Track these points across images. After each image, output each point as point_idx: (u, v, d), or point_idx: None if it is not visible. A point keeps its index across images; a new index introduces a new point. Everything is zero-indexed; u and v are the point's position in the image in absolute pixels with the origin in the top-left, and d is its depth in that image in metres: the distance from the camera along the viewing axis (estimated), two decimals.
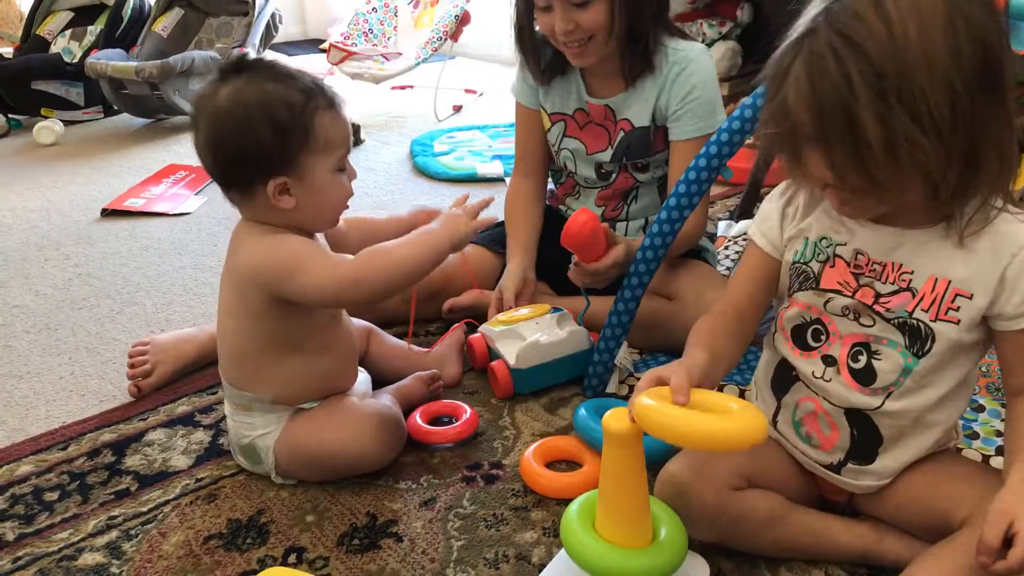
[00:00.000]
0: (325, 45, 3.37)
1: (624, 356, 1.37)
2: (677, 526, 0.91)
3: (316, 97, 1.07)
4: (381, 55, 3.23)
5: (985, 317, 0.88)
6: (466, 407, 1.30)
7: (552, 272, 1.52)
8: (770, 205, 1.01)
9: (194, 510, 1.14)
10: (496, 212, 1.27)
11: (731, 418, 0.80)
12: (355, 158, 1.14)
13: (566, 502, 0.99)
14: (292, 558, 1.06)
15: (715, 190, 2.15)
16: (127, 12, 3.27)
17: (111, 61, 2.91)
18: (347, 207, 1.15)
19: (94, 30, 3.26)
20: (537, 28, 1.44)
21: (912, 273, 0.89)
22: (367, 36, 3.36)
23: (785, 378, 0.99)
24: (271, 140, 1.04)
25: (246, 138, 1.03)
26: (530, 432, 1.29)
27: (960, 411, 0.96)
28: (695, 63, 1.41)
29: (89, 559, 1.07)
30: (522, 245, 1.52)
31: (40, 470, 1.24)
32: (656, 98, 1.44)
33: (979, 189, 0.82)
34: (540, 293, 1.55)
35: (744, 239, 1.81)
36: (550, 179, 1.67)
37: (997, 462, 1.11)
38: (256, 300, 1.10)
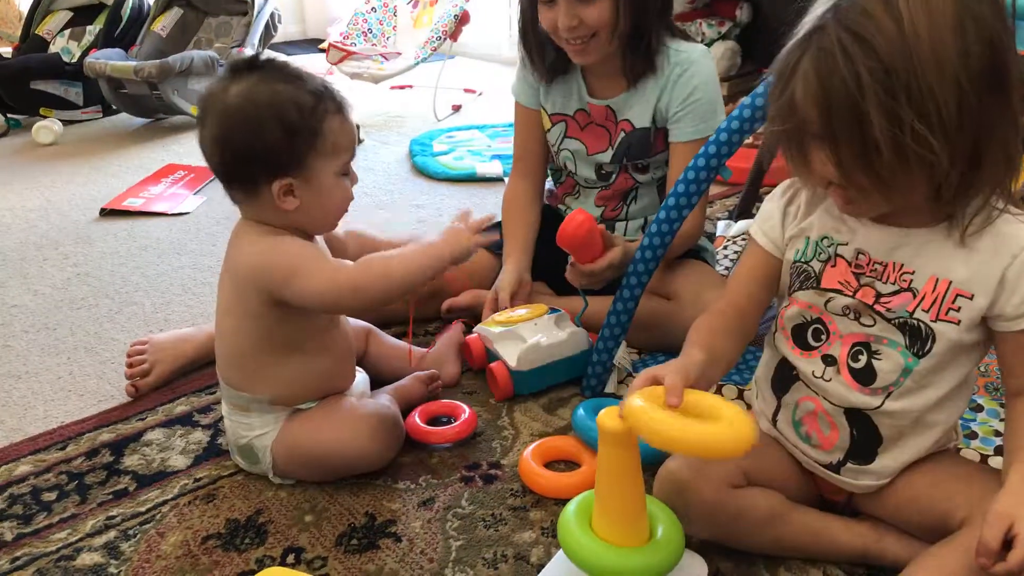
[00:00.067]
0: (324, 45, 3.37)
1: (623, 356, 1.37)
2: (674, 524, 0.90)
3: (326, 100, 1.07)
4: (380, 55, 3.23)
5: (985, 318, 0.88)
6: (465, 407, 1.30)
7: (551, 272, 1.52)
8: (772, 204, 1.01)
9: (192, 510, 1.14)
10: (494, 212, 1.27)
11: (719, 426, 0.79)
12: (354, 158, 1.14)
13: (565, 502, 0.99)
14: (290, 558, 1.05)
15: (714, 190, 2.15)
16: (126, 12, 3.27)
17: (110, 61, 2.91)
18: (346, 211, 1.15)
19: (93, 30, 3.26)
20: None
21: (913, 273, 0.89)
22: (366, 36, 3.36)
23: (785, 377, 0.99)
24: (280, 140, 1.04)
25: (255, 137, 1.04)
26: (529, 432, 1.29)
27: (960, 411, 0.96)
28: (696, 65, 1.41)
29: (87, 559, 1.07)
30: (519, 246, 1.52)
31: (38, 470, 1.24)
32: (657, 99, 1.44)
33: (981, 189, 0.82)
34: (539, 293, 1.55)
35: (743, 239, 1.81)
36: (549, 178, 1.67)
37: (996, 462, 1.11)
38: (254, 301, 1.10)
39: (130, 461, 1.25)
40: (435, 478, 1.19)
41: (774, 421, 1.02)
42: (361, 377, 1.29)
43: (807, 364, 0.96)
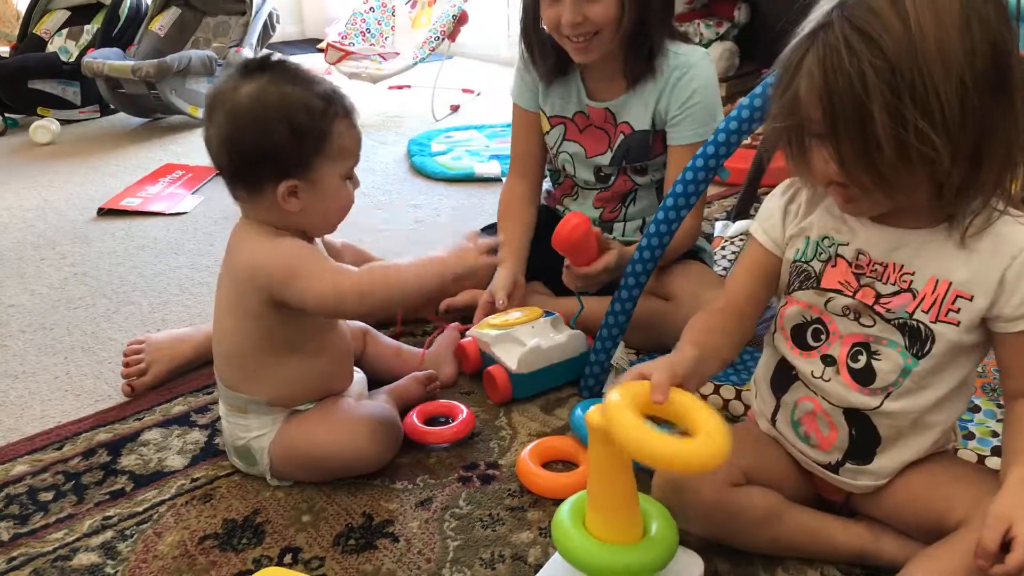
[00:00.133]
0: (323, 45, 3.36)
1: (621, 356, 1.37)
2: (668, 521, 0.90)
3: (335, 104, 1.08)
4: (378, 55, 3.23)
5: (984, 319, 0.88)
6: (462, 407, 1.30)
7: (548, 272, 1.52)
8: (772, 202, 1.01)
9: (189, 510, 1.14)
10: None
11: (690, 442, 0.79)
12: (358, 163, 1.14)
13: (562, 503, 0.99)
14: (288, 558, 1.05)
15: (712, 190, 2.15)
16: (124, 11, 3.26)
17: (108, 60, 2.91)
18: (347, 215, 1.16)
19: (91, 29, 3.25)
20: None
21: (913, 274, 0.89)
22: (364, 36, 3.36)
23: (784, 377, 0.99)
24: (288, 142, 1.04)
25: (264, 137, 1.04)
26: (526, 432, 1.28)
27: (959, 413, 0.96)
28: (696, 68, 1.41)
29: (84, 559, 1.06)
30: (514, 249, 1.51)
31: (35, 470, 1.24)
32: (656, 102, 1.44)
33: (982, 190, 0.82)
34: (536, 293, 1.55)
35: (741, 239, 1.81)
36: (548, 179, 1.67)
37: (993, 462, 1.11)
38: (254, 301, 1.09)
39: (127, 461, 1.25)
40: (433, 478, 1.18)
41: (773, 421, 1.02)
42: (359, 377, 1.29)
43: (806, 364, 0.96)
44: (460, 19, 3.01)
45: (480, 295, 1.51)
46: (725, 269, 1.69)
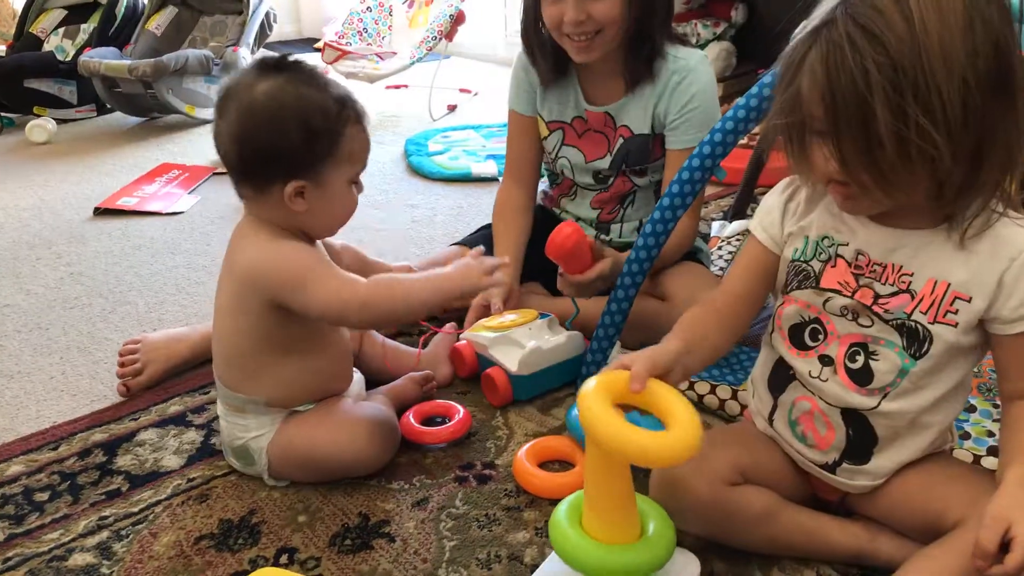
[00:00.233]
0: (320, 44, 3.36)
1: (617, 356, 1.37)
2: (665, 521, 0.90)
3: (348, 109, 1.08)
4: (376, 54, 3.22)
5: (982, 320, 0.88)
6: (459, 407, 1.30)
7: (545, 274, 1.52)
8: (772, 199, 1.01)
9: (185, 510, 1.14)
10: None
11: (658, 436, 0.80)
12: (365, 168, 1.14)
13: (559, 502, 0.99)
14: (284, 558, 1.05)
15: (709, 190, 2.15)
16: (120, 10, 3.25)
17: (104, 59, 2.90)
18: (349, 220, 1.16)
19: (87, 28, 3.25)
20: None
21: (912, 275, 0.89)
22: (362, 35, 3.35)
23: (782, 377, 0.99)
24: (301, 143, 1.04)
25: (278, 136, 1.04)
26: (523, 432, 1.28)
27: (956, 413, 0.96)
28: (695, 72, 1.41)
29: (79, 559, 1.06)
30: (510, 254, 1.51)
31: (30, 470, 1.23)
32: (655, 106, 1.44)
33: (982, 190, 0.82)
34: (534, 293, 1.55)
35: (738, 239, 1.81)
36: (546, 180, 1.66)
37: (989, 462, 1.11)
38: (255, 303, 1.09)
39: (123, 461, 1.25)
40: (429, 478, 1.18)
41: (770, 420, 1.02)
42: (357, 378, 1.29)
43: (804, 364, 0.96)
44: (457, 19, 3.01)
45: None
46: (722, 269, 1.69)
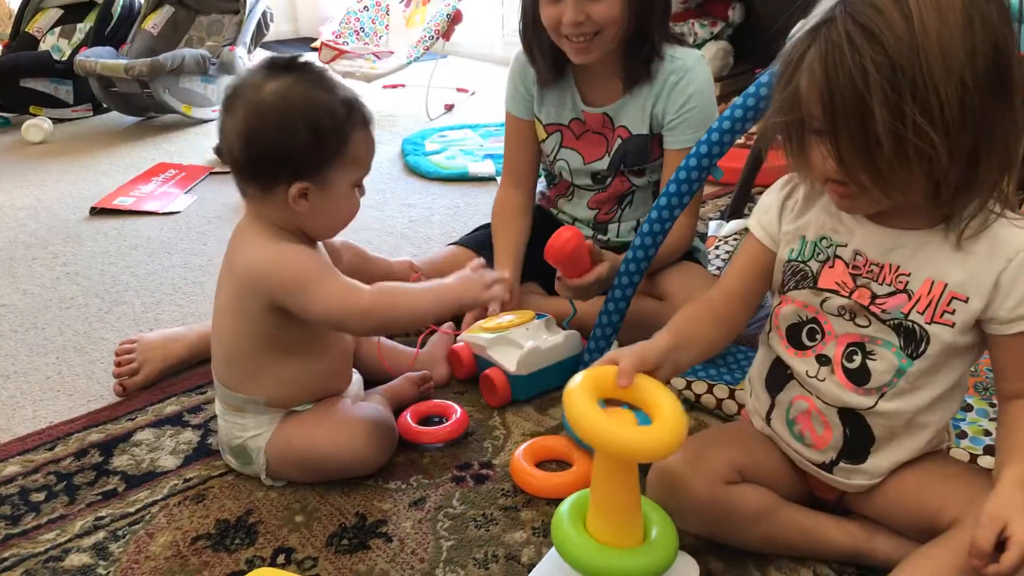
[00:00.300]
0: (316, 44, 3.36)
1: None
2: (668, 526, 0.90)
3: (356, 112, 1.09)
4: (372, 54, 3.22)
5: (979, 321, 0.88)
6: (456, 407, 1.29)
7: (543, 274, 1.52)
8: (770, 197, 1.01)
9: (182, 510, 1.14)
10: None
11: (641, 431, 0.81)
12: (369, 172, 1.15)
13: (556, 502, 0.99)
14: (281, 558, 1.05)
15: (706, 190, 2.15)
16: (117, 9, 3.25)
17: (100, 59, 2.89)
18: (350, 223, 1.16)
19: (83, 27, 3.24)
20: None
21: (909, 275, 0.89)
22: (358, 35, 3.35)
23: (779, 376, 0.99)
24: (309, 144, 1.04)
25: (286, 137, 1.04)
26: (520, 432, 1.28)
27: (952, 413, 0.96)
28: (692, 72, 1.41)
29: (76, 560, 1.06)
30: (509, 259, 1.51)
31: (27, 470, 1.23)
32: (652, 105, 1.44)
33: (979, 191, 0.82)
34: (531, 293, 1.55)
35: (735, 239, 1.82)
36: (543, 180, 1.66)
37: (985, 461, 1.11)
38: (256, 305, 1.09)
39: (119, 461, 1.24)
40: (426, 478, 1.18)
41: (768, 420, 1.02)
42: (356, 378, 1.28)
43: (801, 364, 0.96)
44: (454, 18, 3.01)
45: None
46: (719, 269, 1.69)
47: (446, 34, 3.02)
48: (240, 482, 1.19)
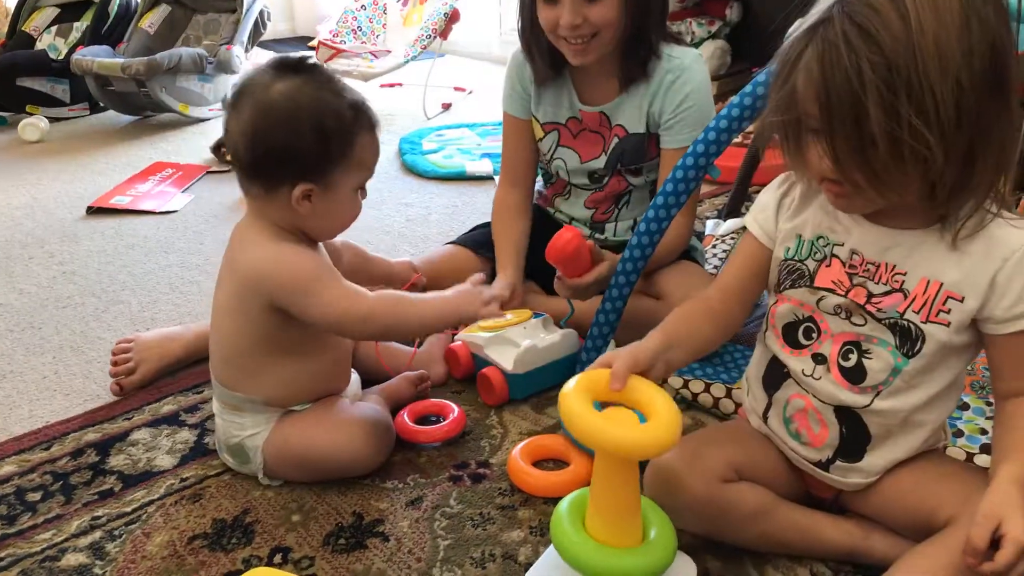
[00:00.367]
0: (314, 43, 3.36)
1: None
2: (667, 526, 0.91)
3: (363, 116, 1.09)
4: (370, 53, 3.22)
5: (975, 320, 0.88)
6: (454, 406, 1.29)
7: (542, 273, 1.52)
8: (768, 195, 1.02)
9: (179, 510, 1.13)
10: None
11: (634, 430, 0.82)
12: (372, 176, 1.16)
13: (553, 501, 0.99)
14: (277, 558, 1.05)
15: (703, 189, 2.15)
16: (113, 8, 3.25)
17: (97, 58, 2.89)
18: (351, 225, 1.16)
19: (80, 26, 3.24)
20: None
21: (905, 274, 0.89)
22: (356, 34, 3.35)
23: (776, 375, 1.00)
24: (314, 146, 1.05)
25: (293, 138, 1.04)
26: (517, 431, 1.28)
27: (948, 412, 0.96)
28: (689, 71, 1.40)
29: (72, 560, 1.06)
30: (511, 259, 1.50)
31: (23, 470, 1.23)
32: (649, 104, 1.43)
33: (975, 192, 0.82)
34: (530, 292, 1.55)
35: (732, 238, 1.82)
36: (540, 179, 1.66)
37: (982, 460, 1.11)
38: (256, 305, 1.09)
39: (116, 461, 1.24)
40: (423, 477, 1.18)
41: (765, 418, 1.02)
42: (354, 378, 1.28)
43: (797, 362, 0.96)
44: (452, 17, 3.01)
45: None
46: (716, 268, 1.69)
47: (443, 33, 3.02)
48: (237, 482, 1.19)
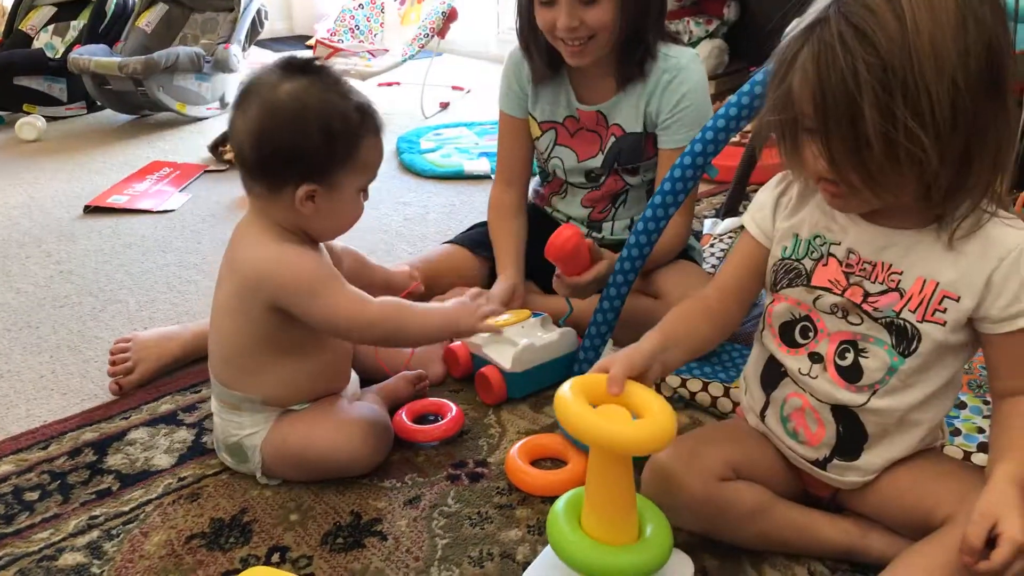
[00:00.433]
0: (312, 42, 3.36)
1: (609, 354, 1.37)
2: (663, 524, 0.91)
3: (369, 119, 1.09)
4: (368, 52, 3.22)
5: (971, 319, 0.88)
6: (452, 405, 1.30)
7: (540, 272, 1.52)
8: (765, 194, 1.02)
9: (176, 509, 1.13)
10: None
11: (630, 426, 0.83)
12: (375, 179, 1.16)
13: (551, 500, 0.99)
14: (275, 557, 1.05)
15: (701, 188, 2.16)
16: (110, 7, 3.24)
17: (94, 56, 2.88)
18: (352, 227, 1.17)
19: (77, 25, 3.23)
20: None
21: (901, 274, 0.90)
22: (353, 32, 3.35)
23: (774, 374, 1.00)
24: (320, 148, 1.05)
25: (299, 138, 1.04)
26: (515, 430, 1.28)
27: (945, 411, 0.96)
28: (686, 71, 1.41)
29: (70, 559, 1.06)
30: (511, 260, 1.51)
31: (20, 469, 1.23)
32: (646, 104, 1.44)
33: (971, 192, 0.83)
34: (528, 291, 1.55)
35: (730, 237, 1.82)
36: (537, 178, 1.66)
37: (979, 459, 1.11)
38: (256, 304, 1.09)
39: (113, 460, 1.24)
40: (421, 476, 1.18)
41: (762, 417, 1.02)
42: (353, 377, 1.28)
43: (794, 361, 0.97)
44: (449, 16, 3.01)
45: (469, 292, 1.51)
46: (714, 267, 1.69)
47: (441, 32, 3.02)
48: (235, 481, 1.19)
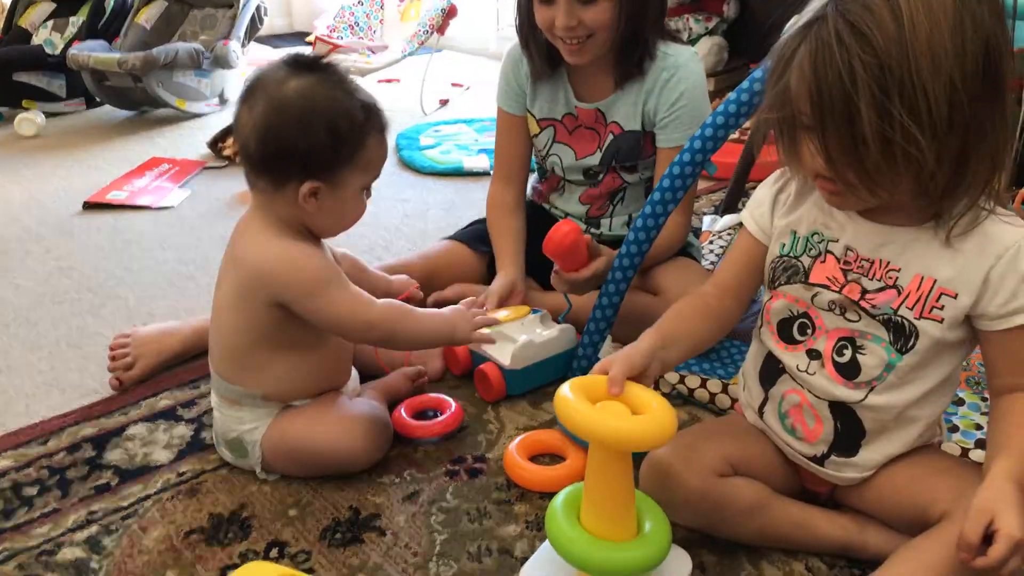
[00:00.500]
0: (311, 38, 3.35)
1: (608, 350, 1.37)
2: (662, 520, 0.91)
3: (374, 118, 1.10)
4: (367, 48, 3.22)
5: (969, 316, 0.88)
6: (451, 401, 1.30)
7: (538, 269, 1.52)
8: (764, 191, 1.02)
9: (175, 505, 1.14)
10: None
11: (631, 422, 0.84)
12: (378, 178, 1.16)
13: (549, 496, 0.99)
14: (274, 552, 1.05)
15: (700, 185, 2.16)
16: (110, 3, 3.23)
17: (93, 52, 2.88)
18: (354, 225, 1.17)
19: (76, 21, 3.22)
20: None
21: (899, 271, 0.90)
22: (353, 29, 3.34)
23: (772, 370, 1.00)
24: (326, 145, 1.05)
25: (305, 135, 1.04)
26: (514, 426, 1.29)
27: (943, 407, 0.96)
28: (684, 69, 1.41)
29: (69, 554, 1.06)
30: (511, 255, 1.51)
31: (19, 465, 1.23)
32: (644, 102, 1.44)
33: (968, 190, 0.83)
34: (527, 288, 1.55)
35: (729, 234, 1.82)
36: (535, 175, 1.66)
37: (976, 455, 1.12)
38: (258, 301, 1.10)
39: (112, 456, 1.24)
40: (420, 472, 1.18)
41: (760, 413, 1.02)
42: (353, 374, 1.29)
43: (792, 358, 0.97)
44: (449, 13, 3.01)
45: (469, 288, 1.51)
46: (713, 264, 1.69)
47: (440, 28, 3.02)
48: (233, 476, 1.19)
